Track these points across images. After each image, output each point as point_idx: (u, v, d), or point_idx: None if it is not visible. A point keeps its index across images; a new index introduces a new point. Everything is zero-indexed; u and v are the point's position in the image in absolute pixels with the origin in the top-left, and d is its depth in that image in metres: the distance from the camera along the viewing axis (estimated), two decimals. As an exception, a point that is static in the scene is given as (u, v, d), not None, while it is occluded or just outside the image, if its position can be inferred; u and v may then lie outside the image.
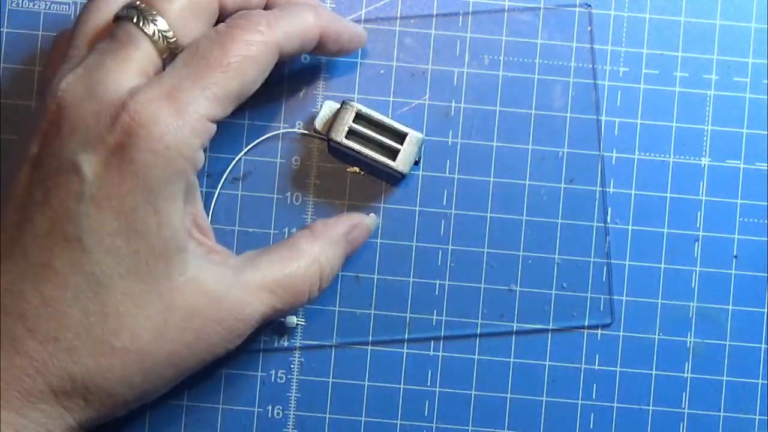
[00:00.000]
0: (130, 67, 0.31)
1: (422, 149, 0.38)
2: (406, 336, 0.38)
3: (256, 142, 0.38)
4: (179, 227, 0.31)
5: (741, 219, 0.39)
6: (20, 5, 0.38)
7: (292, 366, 0.38)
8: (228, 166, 0.38)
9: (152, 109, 0.30)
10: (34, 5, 0.39)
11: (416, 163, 0.38)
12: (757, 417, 0.38)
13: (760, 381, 0.38)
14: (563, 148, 0.39)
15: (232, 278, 0.32)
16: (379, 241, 0.38)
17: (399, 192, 0.38)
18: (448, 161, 0.38)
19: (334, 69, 0.39)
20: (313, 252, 0.35)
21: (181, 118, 0.30)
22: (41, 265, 0.30)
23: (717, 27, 0.39)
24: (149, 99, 0.30)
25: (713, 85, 0.39)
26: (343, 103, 0.37)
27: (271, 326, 0.38)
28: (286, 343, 0.38)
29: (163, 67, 0.32)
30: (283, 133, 0.38)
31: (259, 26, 0.32)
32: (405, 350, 0.38)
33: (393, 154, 0.37)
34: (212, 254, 0.33)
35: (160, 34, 0.32)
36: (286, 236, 0.38)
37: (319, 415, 0.38)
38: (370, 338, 0.38)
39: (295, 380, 0.38)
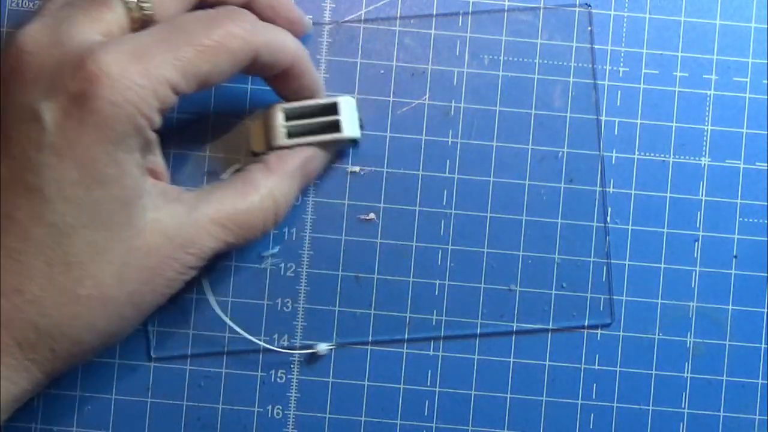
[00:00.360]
0: (99, 27, 0.32)
1: (360, 109, 0.38)
2: (406, 336, 0.38)
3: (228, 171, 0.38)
4: (138, 175, 0.32)
5: (741, 219, 0.39)
6: (20, 5, 0.38)
7: (292, 366, 0.38)
8: (228, 167, 0.38)
9: (120, 63, 0.30)
10: (34, 5, 0.39)
11: (361, 126, 0.38)
12: (757, 417, 0.38)
13: (760, 381, 0.38)
14: (563, 148, 0.39)
15: (186, 214, 0.33)
16: (379, 241, 0.38)
17: (399, 192, 0.38)
18: (448, 161, 0.38)
19: (334, 69, 0.39)
20: (268, 186, 0.35)
21: (147, 78, 0.30)
22: (4, 216, 0.30)
23: (717, 27, 0.39)
24: (119, 52, 0.30)
25: (713, 85, 0.39)
26: (265, 111, 0.37)
27: (272, 327, 0.38)
28: (286, 343, 0.38)
29: None
30: (236, 168, 0.38)
31: (246, 24, 0.33)
32: (405, 350, 0.38)
33: (336, 127, 0.37)
34: (167, 194, 0.33)
35: (137, 3, 0.32)
36: (286, 236, 0.38)
37: (319, 415, 0.38)
38: (370, 338, 0.38)
39: (295, 380, 0.38)
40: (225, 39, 0.32)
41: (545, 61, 0.39)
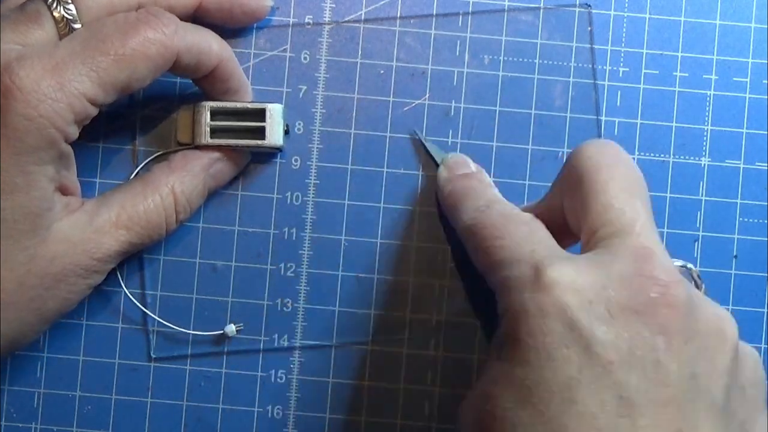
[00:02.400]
0: (24, 40, 0.32)
1: (286, 116, 0.37)
2: (406, 336, 0.38)
3: (140, 167, 0.38)
4: (47, 188, 0.32)
5: (741, 219, 0.39)
6: (20, 5, 0.38)
7: (292, 366, 0.38)
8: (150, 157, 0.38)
9: (34, 77, 0.30)
10: (34, 5, 0.38)
11: (286, 132, 0.38)
12: (757, 417, 0.38)
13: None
14: (563, 148, 0.39)
15: (88, 221, 0.34)
16: (379, 241, 0.38)
17: (399, 191, 0.38)
18: (448, 161, 0.38)
19: (334, 69, 0.39)
20: (169, 184, 0.35)
21: (61, 91, 0.31)
22: None
23: (717, 27, 0.39)
24: (34, 66, 0.31)
25: (713, 85, 0.39)
26: (195, 106, 0.37)
27: (272, 327, 0.38)
28: (286, 343, 0.38)
29: None
30: (162, 152, 0.38)
31: (166, 28, 0.33)
32: (405, 350, 0.38)
33: (260, 133, 0.37)
34: (71, 204, 0.34)
35: (66, 21, 0.32)
36: (286, 236, 0.38)
37: (319, 415, 0.38)
38: (370, 338, 0.38)
39: (295, 380, 0.38)
40: (142, 46, 0.32)
41: (545, 61, 0.39)
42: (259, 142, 0.37)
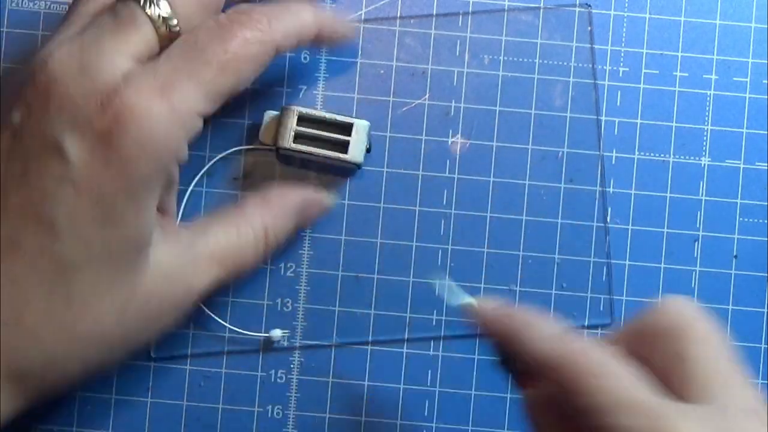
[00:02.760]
0: (127, 49, 0.30)
1: (370, 136, 0.37)
2: (406, 336, 0.38)
3: (212, 161, 0.38)
4: (152, 218, 0.31)
5: (741, 219, 0.39)
6: (20, 5, 0.38)
7: (292, 366, 0.38)
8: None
9: (145, 101, 0.29)
10: (34, 5, 0.38)
11: (368, 150, 0.37)
12: (757, 417, 0.38)
13: (759, 381, 0.38)
14: (563, 148, 0.39)
15: (185, 254, 0.32)
16: (379, 241, 0.38)
17: (399, 191, 0.38)
18: (447, 161, 0.38)
19: (334, 69, 0.39)
20: (263, 220, 0.34)
21: (173, 114, 0.30)
22: (11, 243, 0.30)
23: (717, 27, 0.39)
24: (143, 89, 0.29)
25: (713, 85, 0.39)
26: (282, 109, 0.37)
27: (272, 327, 0.38)
28: (286, 343, 0.38)
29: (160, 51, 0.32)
30: (237, 149, 0.38)
31: (260, 24, 0.32)
32: (405, 350, 0.38)
33: (343, 147, 0.37)
34: (168, 233, 0.33)
35: (162, 19, 0.31)
36: (286, 236, 0.38)
37: (319, 415, 0.38)
38: (370, 338, 0.38)
39: (295, 380, 0.38)
40: (242, 48, 0.31)
41: (545, 61, 0.39)
42: (341, 155, 0.37)
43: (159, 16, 0.31)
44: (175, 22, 0.31)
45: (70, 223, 0.29)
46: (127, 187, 0.30)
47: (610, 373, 0.28)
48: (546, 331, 0.30)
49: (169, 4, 0.31)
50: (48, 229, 0.29)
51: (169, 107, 0.30)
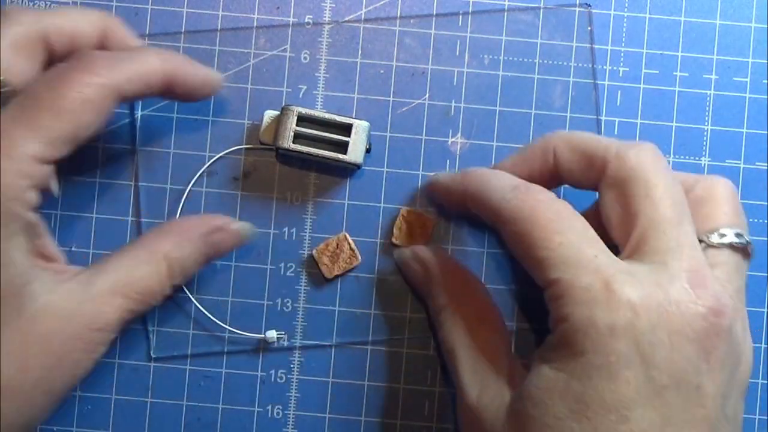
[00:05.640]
0: None
1: (370, 136, 0.37)
2: (406, 336, 0.38)
3: (212, 161, 0.38)
4: (23, 262, 0.31)
5: (741, 219, 0.38)
6: (20, 5, 0.38)
7: (292, 366, 0.38)
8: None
9: None
10: (33, 5, 0.38)
11: (367, 151, 0.37)
12: (757, 417, 0.38)
13: (760, 381, 0.38)
14: (563, 148, 0.38)
15: (83, 291, 0.32)
16: (379, 240, 0.38)
17: (399, 191, 0.38)
18: (447, 161, 0.38)
19: (334, 69, 0.39)
20: (162, 249, 0.34)
21: (8, 161, 0.30)
22: None
23: (717, 27, 0.39)
24: None
25: (713, 85, 0.39)
26: (283, 108, 0.37)
27: (272, 327, 0.38)
28: (286, 343, 0.38)
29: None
30: (236, 148, 0.38)
31: (98, 68, 0.32)
32: (405, 350, 0.38)
33: (343, 147, 0.37)
34: (60, 274, 0.32)
35: None
36: (286, 236, 0.38)
37: (319, 415, 0.38)
38: (370, 338, 0.38)
39: (295, 380, 0.38)
40: (79, 92, 0.31)
41: (545, 61, 0.39)
42: (341, 156, 0.37)
43: None
44: (2, 81, 0.31)
45: None
46: None
47: (568, 230, 0.31)
48: (501, 182, 0.33)
49: None
50: None
51: (4, 155, 0.30)
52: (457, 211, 0.37)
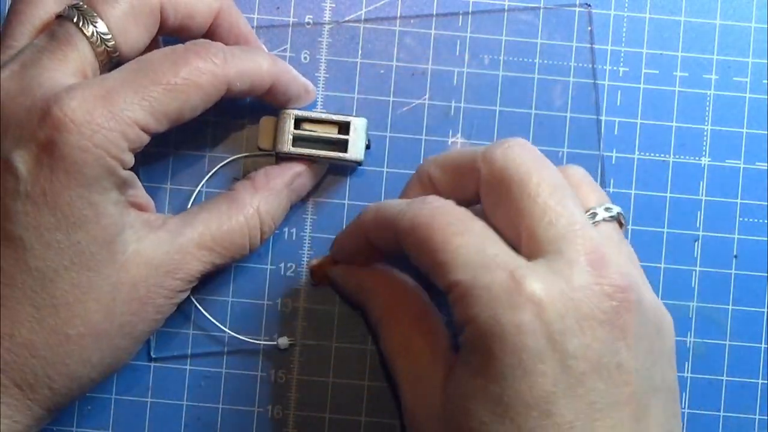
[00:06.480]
0: (67, 67, 0.32)
1: (368, 132, 0.37)
2: (406, 336, 0.38)
3: (215, 169, 0.38)
4: (116, 214, 0.32)
5: (741, 219, 0.39)
6: None
7: (292, 366, 0.38)
8: (229, 165, 0.38)
9: (85, 107, 0.30)
10: (34, 5, 0.38)
11: (367, 147, 0.37)
12: (757, 417, 0.38)
13: (760, 381, 0.38)
14: (563, 148, 0.39)
15: (170, 241, 0.33)
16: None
17: (399, 191, 0.38)
18: (448, 161, 0.38)
19: (334, 69, 0.39)
20: (254, 204, 0.35)
21: (113, 120, 0.30)
22: None
23: (717, 27, 0.39)
24: (84, 96, 0.30)
25: (713, 85, 0.39)
26: (278, 113, 0.37)
27: (272, 327, 0.38)
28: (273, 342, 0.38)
29: (101, 73, 0.33)
30: (238, 157, 0.38)
31: (215, 58, 0.33)
32: (405, 350, 0.38)
33: (342, 145, 0.37)
34: (151, 223, 0.33)
35: (99, 37, 0.32)
36: (286, 236, 0.38)
37: (319, 415, 0.38)
38: (370, 338, 0.38)
39: (295, 380, 0.38)
40: (193, 75, 0.32)
41: (545, 61, 0.39)
42: (341, 154, 0.37)
43: (94, 33, 0.32)
44: (110, 38, 0.32)
45: (37, 234, 0.31)
46: (77, 190, 0.30)
47: (465, 231, 0.30)
48: (395, 202, 0.33)
49: (105, 22, 0.32)
50: (18, 244, 0.31)
51: (109, 112, 0.30)
52: (363, 255, 0.36)
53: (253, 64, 0.34)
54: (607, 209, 0.32)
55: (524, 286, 0.29)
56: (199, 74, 0.32)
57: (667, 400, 0.31)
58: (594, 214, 0.32)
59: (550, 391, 0.28)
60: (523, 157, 0.31)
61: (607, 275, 0.29)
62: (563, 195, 0.31)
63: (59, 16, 0.32)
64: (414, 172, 0.36)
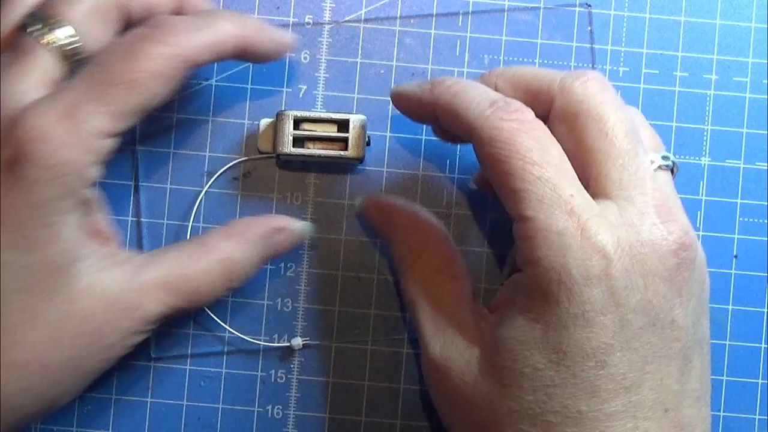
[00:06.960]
0: (31, 79, 0.31)
1: (366, 129, 0.37)
2: (406, 336, 0.38)
3: (216, 176, 0.38)
4: (73, 238, 0.31)
5: (741, 219, 0.39)
6: None
7: (292, 366, 0.38)
8: (226, 165, 0.38)
9: (46, 126, 0.29)
10: (34, 5, 0.38)
11: (368, 144, 0.37)
12: (757, 417, 0.38)
13: (760, 381, 0.38)
14: (563, 148, 0.38)
15: (130, 279, 0.32)
16: (379, 240, 0.38)
17: (399, 191, 0.38)
18: (448, 161, 0.38)
19: (334, 69, 0.39)
20: (224, 251, 0.34)
21: (75, 136, 0.30)
22: None
23: (717, 27, 0.39)
24: (44, 115, 0.29)
25: (713, 85, 0.39)
26: (277, 115, 0.37)
27: (272, 327, 0.38)
28: (285, 343, 0.38)
29: (71, 74, 0.32)
30: (239, 160, 0.38)
31: (168, 37, 0.31)
32: (405, 350, 0.38)
33: (343, 144, 0.37)
34: (111, 257, 0.32)
35: (66, 40, 0.31)
36: (286, 236, 0.38)
37: (319, 415, 0.38)
38: (370, 338, 0.38)
39: (295, 380, 0.38)
40: (150, 65, 0.30)
41: (545, 61, 0.39)
42: (342, 152, 0.37)
43: (60, 39, 0.31)
44: (77, 40, 0.31)
45: None
46: (36, 210, 0.30)
47: (547, 164, 0.30)
48: (479, 94, 0.31)
49: (70, 24, 0.31)
50: None
51: (71, 128, 0.29)
52: (424, 122, 0.36)
53: (214, 34, 0.32)
54: (664, 157, 0.32)
55: (597, 238, 0.29)
56: (156, 62, 0.31)
57: (705, 353, 0.32)
58: (652, 161, 0.32)
59: (608, 343, 0.29)
60: (602, 95, 0.31)
61: (674, 231, 0.30)
62: (636, 139, 0.31)
63: (22, 27, 0.32)
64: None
